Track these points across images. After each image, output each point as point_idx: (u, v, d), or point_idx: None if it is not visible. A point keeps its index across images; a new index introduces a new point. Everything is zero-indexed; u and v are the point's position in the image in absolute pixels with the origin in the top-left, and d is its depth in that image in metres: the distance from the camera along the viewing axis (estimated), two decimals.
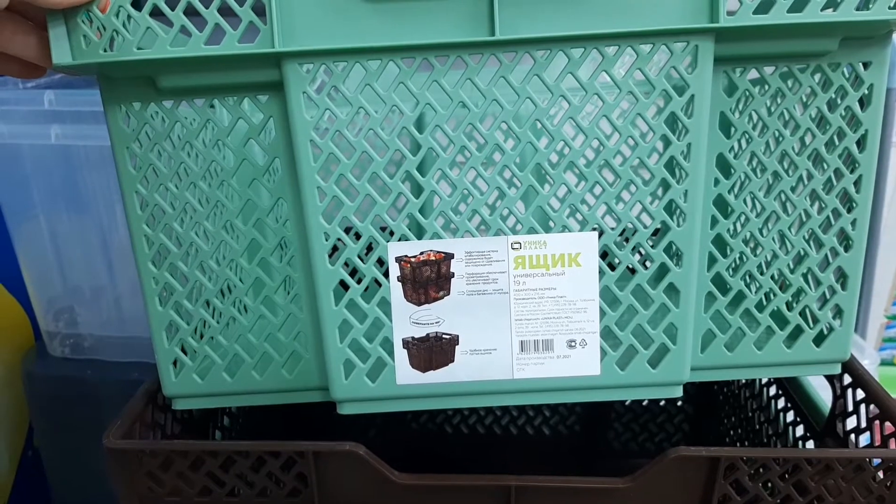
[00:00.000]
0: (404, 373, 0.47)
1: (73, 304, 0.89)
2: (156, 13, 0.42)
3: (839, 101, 0.46)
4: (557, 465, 0.83)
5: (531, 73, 0.43)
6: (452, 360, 0.47)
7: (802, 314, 0.49)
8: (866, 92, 0.45)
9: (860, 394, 0.53)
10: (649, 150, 0.45)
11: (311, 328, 0.49)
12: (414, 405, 0.48)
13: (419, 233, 0.46)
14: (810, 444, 0.59)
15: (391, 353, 0.47)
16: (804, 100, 0.46)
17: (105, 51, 0.42)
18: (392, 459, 0.46)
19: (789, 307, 0.49)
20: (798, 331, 0.49)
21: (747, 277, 0.49)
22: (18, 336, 0.96)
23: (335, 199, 0.45)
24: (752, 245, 0.49)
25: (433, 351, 0.46)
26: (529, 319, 0.46)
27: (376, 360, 0.47)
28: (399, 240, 0.46)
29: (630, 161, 0.45)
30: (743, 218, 0.48)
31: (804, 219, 0.48)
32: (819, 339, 0.50)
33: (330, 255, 0.46)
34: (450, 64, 0.43)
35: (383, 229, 0.48)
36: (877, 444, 0.50)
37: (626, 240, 0.47)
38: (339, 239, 0.46)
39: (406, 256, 0.46)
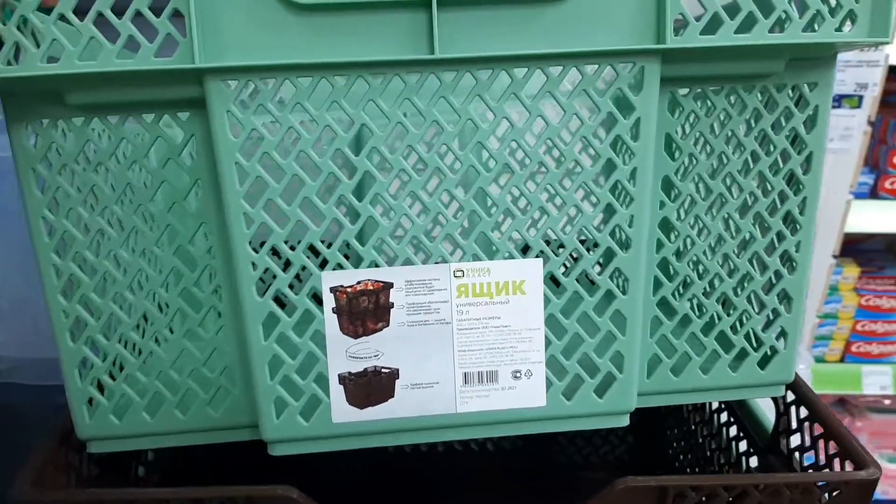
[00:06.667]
0: (340, 410, 0.44)
1: None
2: (63, 23, 0.38)
3: (784, 122, 0.45)
4: (503, 480, 0.81)
5: (473, 93, 0.41)
6: (392, 396, 0.44)
7: (747, 337, 0.49)
8: (811, 113, 0.45)
9: (804, 412, 0.53)
10: (594, 173, 0.43)
11: (238, 362, 0.45)
12: (351, 444, 0.45)
13: (356, 261, 0.43)
14: (754, 460, 0.58)
15: (326, 390, 0.44)
16: (750, 121, 0.45)
17: (8, 64, 0.38)
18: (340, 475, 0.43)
19: (734, 330, 0.49)
20: (743, 354, 0.49)
21: (693, 301, 0.48)
22: None
23: (263, 225, 0.42)
24: (697, 268, 0.48)
25: (371, 386, 0.44)
26: (473, 350, 0.44)
27: (310, 397, 0.44)
28: (334, 269, 0.43)
29: (575, 186, 0.43)
30: (689, 241, 0.47)
31: (749, 241, 0.47)
32: (764, 362, 0.49)
33: (258, 286, 0.43)
34: (387, 83, 0.40)
35: (317, 256, 0.45)
36: (821, 462, 0.50)
37: (575, 259, 0.45)
38: (267, 268, 0.43)
39: (342, 286, 0.43)
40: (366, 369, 0.44)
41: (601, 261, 0.45)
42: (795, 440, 0.54)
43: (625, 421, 0.47)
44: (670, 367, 0.48)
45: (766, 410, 0.60)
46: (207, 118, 0.41)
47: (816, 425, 0.51)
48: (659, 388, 0.48)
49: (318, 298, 0.43)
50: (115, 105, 0.41)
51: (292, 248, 0.43)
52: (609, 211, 0.44)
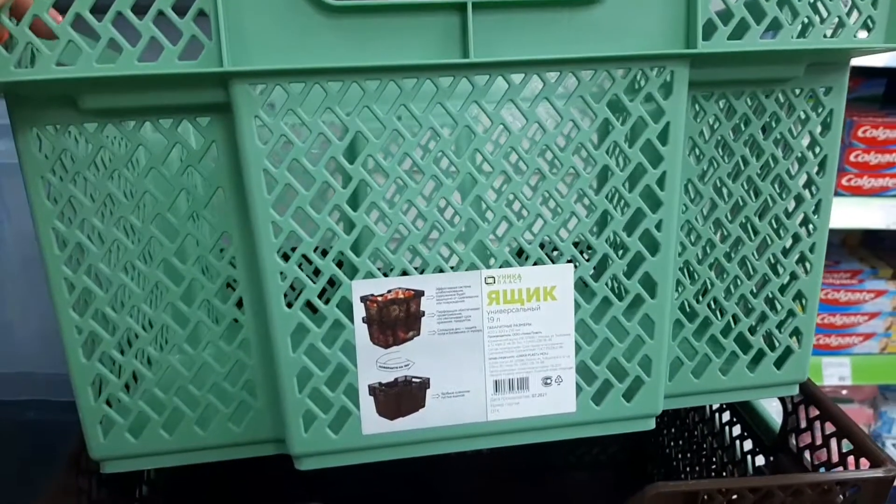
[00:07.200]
0: (371, 421, 0.43)
1: None
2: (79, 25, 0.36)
3: (801, 125, 0.46)
4: (499, 480, 0.81)
5: (505, 98, 0.40)
6: (423, 405, 0.43)
7: (765, 338, 0.49)
8: (826, 116, 0.46)
9: (813, 410, 0.54)
10: (623, 178, 0.43)
11: (261, 375, 0.44)
12: (381, 455, 0.44)
13: (386, 269, 0.42)
14: (759, 459, 0.59)
15: (356, 402, 0.43)
16: (768, 124, 0.46)
17: (17, 67, 0.36)
18: None
19: (752, 332, 0.49)
20: (760, 354, 0.49)
21: (713, 303, 0.48)
22: None
23: (292, 234, 0.41)
24: (717, 271, 0.48)
25: (402, 396, 0.43)
26: (504, 357, 0.44)
27: (339, 409, 0.43)
28: (364, 277, 0.42)
29: (605, 190, 0.43)
30: (710, 244, 0.47)
31: (767, 243, 0.48)
32: (780, 362, 0.50)
33: (286, 297, 0.42)
34: (419, 87, 0.39)
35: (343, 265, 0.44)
36: (834, 460, 0.51)
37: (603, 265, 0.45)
38: (295, 278, 0.41)
39: (372, 295, 0.42)
40: (396, 379, 0.43)
41: (629, 265, 0.45)
42: (804, 439, 0.55)
43: (651, 424, 0.47)
44: (691, 369, 0.48)
45: (769, 409, 0.61)
46: (230, 123, 0.39)
47: (828, 424, 0.52)
48: (680, 391, 0.49)
49: (347, 308, 0.42)
50: (132, 110, 0.40)
51: (321, 258, 0.42)
52: (638, 216, 0.44)
